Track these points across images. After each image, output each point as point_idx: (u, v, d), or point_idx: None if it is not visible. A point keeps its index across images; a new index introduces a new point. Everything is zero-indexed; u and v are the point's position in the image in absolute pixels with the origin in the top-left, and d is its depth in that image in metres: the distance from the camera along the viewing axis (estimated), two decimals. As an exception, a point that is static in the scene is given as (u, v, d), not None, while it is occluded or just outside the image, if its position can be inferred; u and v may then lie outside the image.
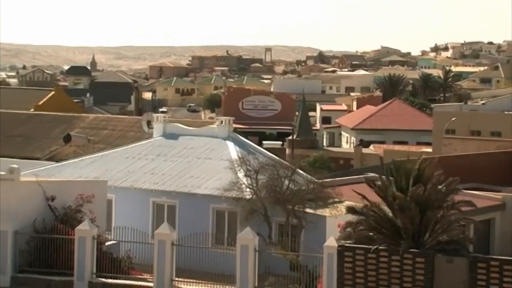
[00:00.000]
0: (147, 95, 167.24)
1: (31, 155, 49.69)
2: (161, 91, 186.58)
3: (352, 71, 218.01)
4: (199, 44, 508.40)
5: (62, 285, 27.24)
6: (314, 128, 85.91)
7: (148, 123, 46.55)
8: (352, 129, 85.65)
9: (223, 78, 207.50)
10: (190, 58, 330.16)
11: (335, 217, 30.07)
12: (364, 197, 25.47)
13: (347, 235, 25.02)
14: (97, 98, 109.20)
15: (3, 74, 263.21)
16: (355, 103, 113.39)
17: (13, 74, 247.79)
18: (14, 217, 27.67)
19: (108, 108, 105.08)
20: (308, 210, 31.51)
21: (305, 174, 33.23)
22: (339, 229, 26.49)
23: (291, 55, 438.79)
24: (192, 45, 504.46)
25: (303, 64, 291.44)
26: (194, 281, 27.28)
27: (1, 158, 41.35)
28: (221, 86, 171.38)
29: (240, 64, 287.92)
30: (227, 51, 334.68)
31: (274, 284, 26.38)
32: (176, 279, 27.01)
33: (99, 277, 27.41)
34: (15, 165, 28.90)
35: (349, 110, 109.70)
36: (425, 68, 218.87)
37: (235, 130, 41.38)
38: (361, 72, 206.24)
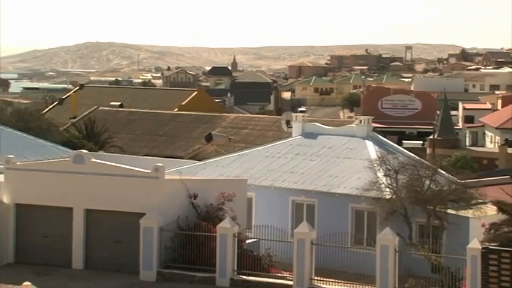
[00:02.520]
0: (286, 95, 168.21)
1: (174, 154, 51.12)
2: (300, 90, 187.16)
3: (497, 68, 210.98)
4: (338, 43, 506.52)
5: (204, 281, 27.89)
6: (456, 127, 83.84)
7: (288, 122, 46.82)
8: (496, 128, 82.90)
9: (362, 77, 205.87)
10: (329, 57, 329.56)
11: (478, 218, 29.29)
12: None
13: (491, 237, 24.32)
14: (237, 98, 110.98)
15: (148, 76, 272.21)
16: (500, 102, 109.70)
17: (158, 75, 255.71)
18: (159, 214, 28.57)
19: (248, 107, 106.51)
20: (450, 211, 30.84)
21: (446, 174, 32.54)
22: (483, 230, 25.78)
23: (432, 53, 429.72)
24: (331, 44, 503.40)
25: (445, 62, 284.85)
26: (333, 280, 27.26)
27: (146, 157, 42.77)
28: (360, 85, 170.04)
29: (379, 63, 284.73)
30: (366, 50, 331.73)
31: (414, 286, 25.98)
32: (315, 278, 27.08)
33: (240, 274, 27.87)
34: (160, 164, 29.83)
35: (493, 109, 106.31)
36: None
37: (374, 129, 41.01)
38: (506, 70, 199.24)
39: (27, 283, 27.68)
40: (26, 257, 30.37)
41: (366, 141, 37.06)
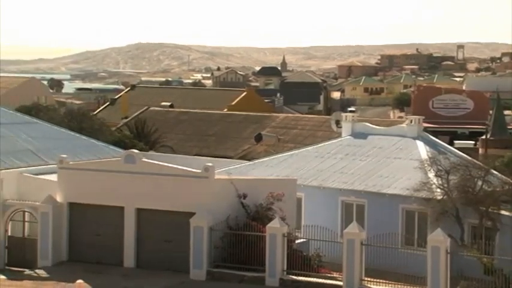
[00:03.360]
0: (336, 95, 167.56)
1: (224, 154, 51.31)
2: (350, 90, 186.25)
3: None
4: (388, 42, 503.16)
5: (253, 281, 27.96)
6: (510, 127, 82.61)
7: (337, 122, 46.63)
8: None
9: (413, 76, 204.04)
10: (379, 57, 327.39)
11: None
12: None
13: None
14: (287, 98, 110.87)
15: (199, 76, 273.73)
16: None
17: (208, 75, 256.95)
18: (208, 214, 28.73)
19: (298, 107, 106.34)
20: (503, 212, 30.40)
21: (499, 174, 32.08)
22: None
23: (484, 52, 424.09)
24: (381, 43, 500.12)
25: (498, 61, 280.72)
26: (383, 281, 27.11)
27: (196, 157, 43.02)
28: (410, 84, 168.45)
29: (430, 62, 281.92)
30: (417, 49, 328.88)
31: (466, 288, 25.69)
32: (365, 278, 26.95)
33: (290, 274, 27.88)
34: (210, 164, 30.00)
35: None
36: None
37: (425, 129, 40.63)
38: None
39: (80, 281, 28.14)
40: (78, 255, 30.82)
41: (417, 141, 36.74)
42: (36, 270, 30.00)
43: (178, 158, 39.53)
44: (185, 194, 29.26)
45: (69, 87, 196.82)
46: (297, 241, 29.24)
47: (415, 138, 36.97)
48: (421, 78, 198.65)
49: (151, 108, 66.15)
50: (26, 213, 31.00)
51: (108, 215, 30.42)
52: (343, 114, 42.38)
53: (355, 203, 34.37)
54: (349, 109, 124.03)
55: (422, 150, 35.73)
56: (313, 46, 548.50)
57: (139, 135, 53.15)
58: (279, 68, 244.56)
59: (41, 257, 30.46)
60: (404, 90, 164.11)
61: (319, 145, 39.68)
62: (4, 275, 29.64)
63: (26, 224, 31.07)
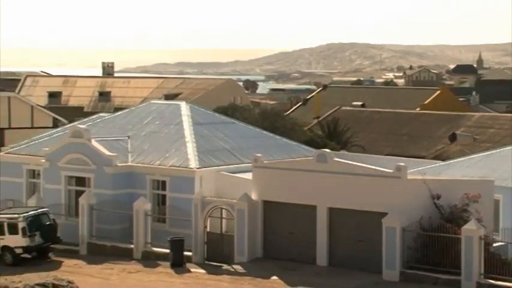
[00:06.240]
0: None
1: (416, 154, 50.56)
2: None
3: None
4: None
5: (448, 284, 27.34)
6: None
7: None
8: None
9: None
10: None
11: None
12: None
13: None
14: (483, 97, 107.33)
15: (390, 75, 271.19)
16: None
17: (400, 74, 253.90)
18: (401, 214, 28.40)
19: (495, 106, 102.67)
20: None
21: None
22: None
23: None
24: None
25: None
26: None
27: (388, 156, 42.68)
28: None
29: None
30: None
31: None
32: None
33: (488, 278, 26.99)
34: (402, 164, 29.65)
35: None
36: None
37: None
38: None
39: (274, 277, 28.75)
40: (272, 252, 31.45)
41: None
42: (233, 266, 30.98)
43: (370, 157, 39.37)
44: (377, 193, 29.09)
45: (263, 88, 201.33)
46: (494, 244, 28.24)
47: None
48: None
49: (343, 108, 66.38)
50: (223, 210, 32.06)
51: (301, 214, 30.82)
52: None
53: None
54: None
55: None
56: None
57: (331, 135, 53.51)
58: (475, 66, 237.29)
59: (238, 253, 31.39)
60: None
61: (518, 145, 38.06)
62: (204, 269, 30.86)
63: (223, 220, 32.13)
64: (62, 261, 32.70)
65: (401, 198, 28.71)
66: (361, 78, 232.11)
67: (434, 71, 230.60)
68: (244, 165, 34.42)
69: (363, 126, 59.71)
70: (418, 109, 68.52)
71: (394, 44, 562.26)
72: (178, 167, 34.38)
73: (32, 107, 49.24)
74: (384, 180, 29.14)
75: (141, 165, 35.25)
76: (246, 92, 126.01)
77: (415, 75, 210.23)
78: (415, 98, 76.47)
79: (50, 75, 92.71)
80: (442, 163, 38.82)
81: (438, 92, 79.82)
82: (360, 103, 72.52)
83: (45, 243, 33.07)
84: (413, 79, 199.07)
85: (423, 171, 34.41)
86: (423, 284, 27.64)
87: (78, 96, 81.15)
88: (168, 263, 31.45)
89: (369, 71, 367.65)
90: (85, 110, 76.46)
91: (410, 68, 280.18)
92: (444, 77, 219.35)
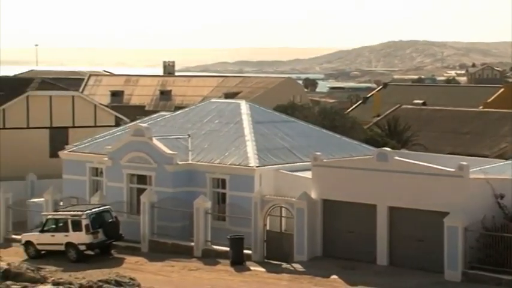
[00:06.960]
0: None
1: (479, 152, 49.77)
2: None
3: None
4: None
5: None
6: None
7: None
8: None
9: None
10: None
11: None
12: None
13: None
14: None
15: (452, 73, 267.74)
16: None
17: (462, 72, 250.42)
18: (463, 214, 28.04)
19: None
20: None
21: None
22: None
23: None
24: None
25: None
26: None
27: (450, 155, 42.13)
28: None
29: None
30: None
31: None
32: None
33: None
34: (464, 163, 29.28)
35: None
36: None
37: None
38: None
39: (334, 277, 28.68)
40: (332, 251, 31.39)
41: None
42: (293, 264, 31.00)
43: (431, 156, 38.93)
44: (438, 193, 28.78)
45: (322, 86, 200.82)
46: None
47: None
48: None
49: (404, 106, 65.69)
50: (283, 208, 32.09)
51: (361, 213, 30.68)
52: None
53: None
54: None
55: None
56: None
57: (392, 134, 53.05)
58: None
59: (297, 252, 31.40)
60: None
61: None
62: (263, 267, 30.96)
63: (283, 219, 32.17)
64: (124, 259, 33.19)
65: (464, 197, 28.35)
66: (422, 77, 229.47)
67: (498, 69, 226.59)
68: (303, 163, 34.42)
69: (423, 125, 59.01)
70: (480, 107, 67.44)
71: (457, 41, 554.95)
72: (238, 165, 34.56)
73: (95, 105, 49.96)
74: (446, 179, 28.82)
75: (201, 163, 35.55)
76: (306, 90, 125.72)
77: (477, 73, 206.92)
78: (477, 96, 75.26)
79: (112, 75, 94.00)
80: (506, 162, 38.16)
81: (502, 89, 78.34)
82: (421, 101, 71.71)
83: (107, 240, 33.62)
84: (476, 77, 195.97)
85: (486, 170, 33.89)
86: (486, 284, 27.23)
87: (140, 95, 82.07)
88: (228, 261, 31.65)
89: (430, 69, 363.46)
90: (146, 108, 77.31)
91: (473, 65, 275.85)
92: (508, 74, 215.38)
